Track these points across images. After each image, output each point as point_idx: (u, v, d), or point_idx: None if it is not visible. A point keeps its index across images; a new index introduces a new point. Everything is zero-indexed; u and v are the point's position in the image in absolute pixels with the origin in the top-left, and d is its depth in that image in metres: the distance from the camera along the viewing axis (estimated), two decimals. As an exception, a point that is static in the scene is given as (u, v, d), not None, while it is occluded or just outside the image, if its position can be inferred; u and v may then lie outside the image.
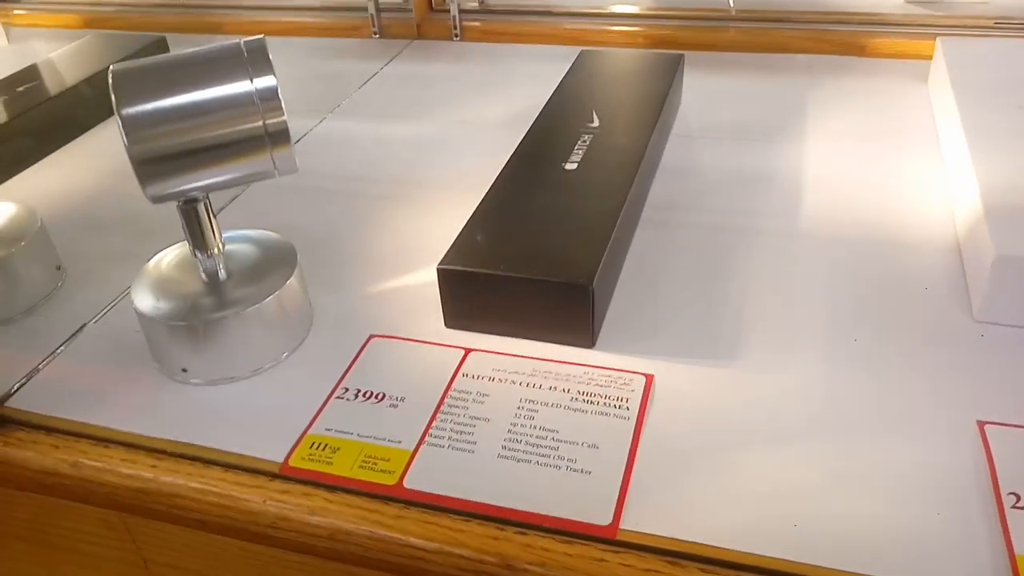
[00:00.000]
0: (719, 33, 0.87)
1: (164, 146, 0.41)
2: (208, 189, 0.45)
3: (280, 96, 0.41)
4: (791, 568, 0.36)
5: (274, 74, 0.41)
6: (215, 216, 0.47)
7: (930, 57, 0.76)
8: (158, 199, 0.43)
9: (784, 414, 0.43)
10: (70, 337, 0.51)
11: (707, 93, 0.77)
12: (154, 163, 0.41)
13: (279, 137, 0.42)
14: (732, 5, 0.91)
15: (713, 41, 0.87)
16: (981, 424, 0.41)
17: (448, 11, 0.92)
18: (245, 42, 0.41)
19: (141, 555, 0.48)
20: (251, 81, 0.40)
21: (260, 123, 0.41)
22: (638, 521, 0.38)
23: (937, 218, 0.57)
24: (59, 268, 0.56)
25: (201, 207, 0.46)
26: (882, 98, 0.74)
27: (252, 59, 0.40)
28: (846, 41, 0.83)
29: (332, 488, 0.40)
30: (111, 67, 0.39)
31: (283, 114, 0.41)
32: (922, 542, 0.36)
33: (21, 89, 0.74)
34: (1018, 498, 0.37)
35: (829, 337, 0.48)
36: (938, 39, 0.74)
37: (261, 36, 0.41)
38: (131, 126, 0.39)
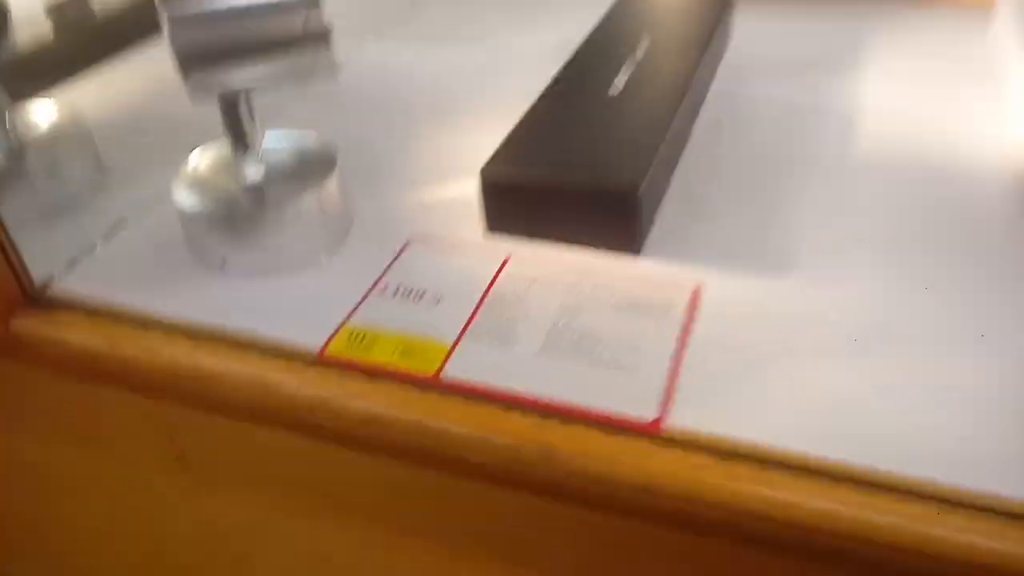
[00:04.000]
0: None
1: (206, 40, 0.40)
2: (247, 85, 0.44)
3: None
4: (850, 471, 0.34)
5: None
6: (255, 115, 0.46)
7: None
8: (198, 93, 0.42)
9: (838, 325, 0.42)
10: (111, 229, 0.51)
11: (760, 27, 0.74)
12: (196, 58, 0.41)
13: (320, 39, 0.41)
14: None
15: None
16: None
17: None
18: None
19: (179, 450, 0.48)
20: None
21: (302, 23, 0.40)
22: (685, 419, 0.37)
23: (995, 153, 0.55)
24: (101, 165, 0.56)
25: (242, 102, 0.45)
26: (943, 37, 0.72)
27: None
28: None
29: (370, 374, 0.39)
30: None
31: (324, 15, 0.41)
32: (976, 450, 0.35)
33: None
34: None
35: (879, 253, 0.46)
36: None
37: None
38: (175, 21, 0.39)
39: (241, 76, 0.43)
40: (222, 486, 0.48)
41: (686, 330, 0.41)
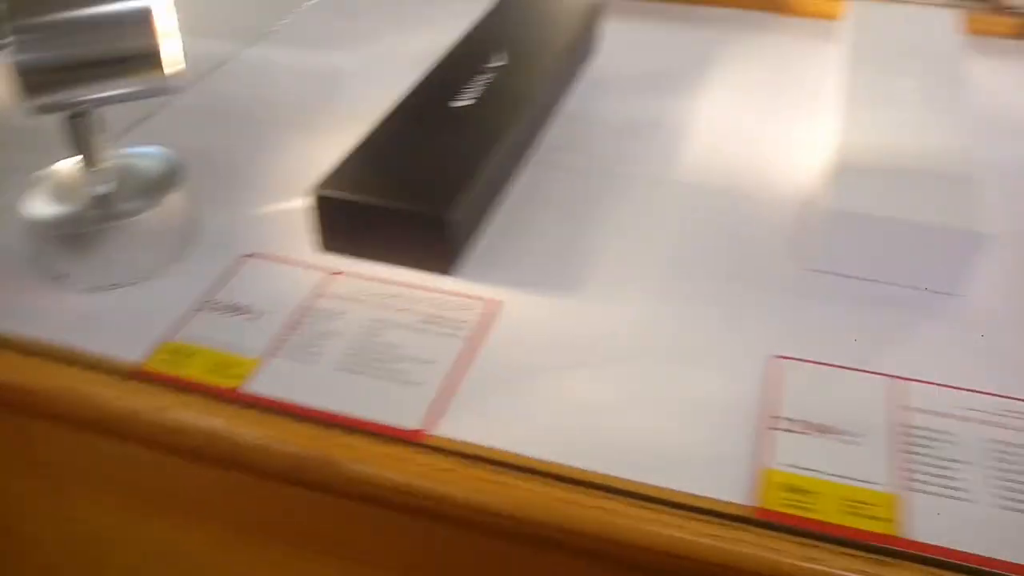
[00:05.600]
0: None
1: (51, 58, 0.44)
2: (93, 104, 0.48)
3: (154, 20, 0.45)
4: (579, 475, 0.40)
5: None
6: (104, 130, 0.50)
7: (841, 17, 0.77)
8: (39, 111, 0.46)
9: (611, 342, 0.47)
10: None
11: (627, 41, 0.79)
12: (39, 73, 0.45)
13: (147, 58, 0.45)
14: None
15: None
16: (776, 358, 0.45)
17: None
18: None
19: (31, 452, 0.52)
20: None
21: (144, 41, 0.45)
22: (454, 429, 0.42)
23: (804, 173, 0.60)
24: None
25: (87, 120, 0.49)
26: (787, 55, 0.77)
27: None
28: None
29: (180, 388, 0.44)
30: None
31: (153, 32, 0.45)
32: (688, 454, 0.41)
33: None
34: (778, 420, 0.41)
35: (667, 276, 0.51)
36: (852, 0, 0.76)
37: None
38: (22, 37, 0.43)
39: (85, 93, 0.47)
40: (75, 488, 0.53)
41: (472, 344, 0.46)
